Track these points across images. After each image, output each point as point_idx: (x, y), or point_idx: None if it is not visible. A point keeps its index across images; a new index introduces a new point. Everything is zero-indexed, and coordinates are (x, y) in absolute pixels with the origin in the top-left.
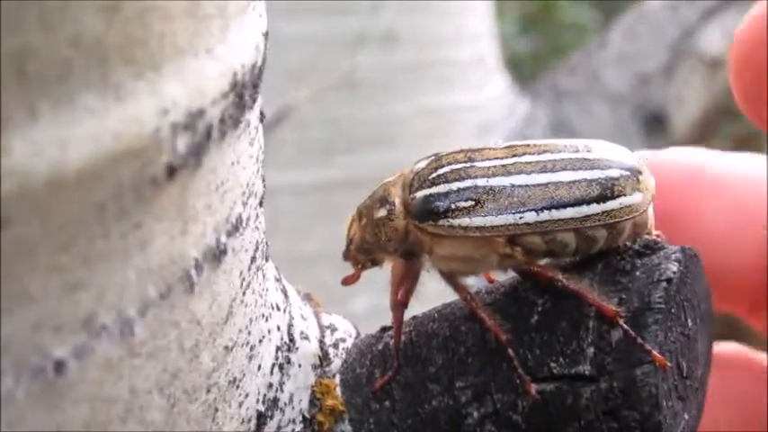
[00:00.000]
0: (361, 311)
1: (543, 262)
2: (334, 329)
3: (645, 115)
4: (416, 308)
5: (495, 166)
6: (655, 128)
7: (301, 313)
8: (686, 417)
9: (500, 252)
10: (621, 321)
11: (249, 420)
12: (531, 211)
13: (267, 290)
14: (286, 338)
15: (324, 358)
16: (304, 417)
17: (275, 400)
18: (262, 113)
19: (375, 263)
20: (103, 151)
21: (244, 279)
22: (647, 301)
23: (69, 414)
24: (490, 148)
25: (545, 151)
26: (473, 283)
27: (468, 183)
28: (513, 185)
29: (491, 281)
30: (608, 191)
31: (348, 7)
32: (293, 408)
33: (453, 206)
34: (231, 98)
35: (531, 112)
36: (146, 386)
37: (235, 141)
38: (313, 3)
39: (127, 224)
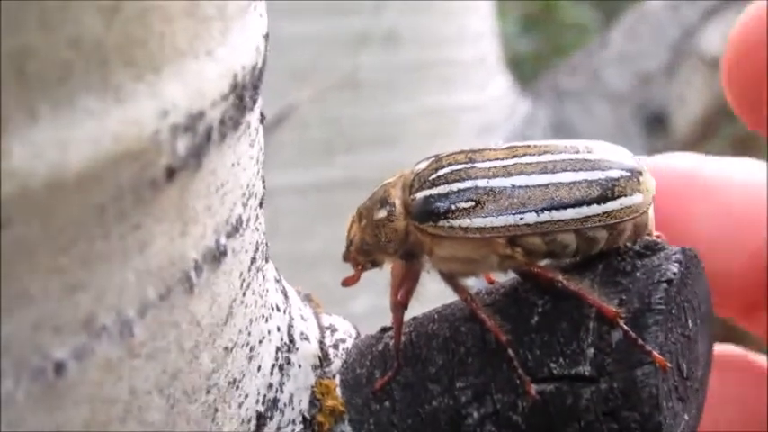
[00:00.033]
0: (361, 312)
1: (543, 263)
2: (334, 330)
3: (646, 115)
4: (416, 309)
5: (495, 167)
6: (656, 128)
7: (301, 314)
8: (686, 417)
9: (500, 253)
10: (622, 322)
11: (249, 421)
12: (531, 211)
13: (267, 291)
14: (286, 339)
15: (324, 359)
16: (304, 417)
17: (275, 401)
18: (262, 115)
19: (375, 264)
20: (103, 153)
21: (244, 280)
22: (647, 301)
23: (69, 415)
24: (491, 149)
25: (545, 152)
26: (473, 283)
27: (468, 184)
28: (513, 186)
29: (491, 282)
30: (608, 192)
31: (350, 7)
32: (293, 408)
33: (453, 207)
34: (231, 100)
35: (531, 113)
36: (145, 387)
37: (235, 143)
38: (315, 3)
39: (126, 226)
